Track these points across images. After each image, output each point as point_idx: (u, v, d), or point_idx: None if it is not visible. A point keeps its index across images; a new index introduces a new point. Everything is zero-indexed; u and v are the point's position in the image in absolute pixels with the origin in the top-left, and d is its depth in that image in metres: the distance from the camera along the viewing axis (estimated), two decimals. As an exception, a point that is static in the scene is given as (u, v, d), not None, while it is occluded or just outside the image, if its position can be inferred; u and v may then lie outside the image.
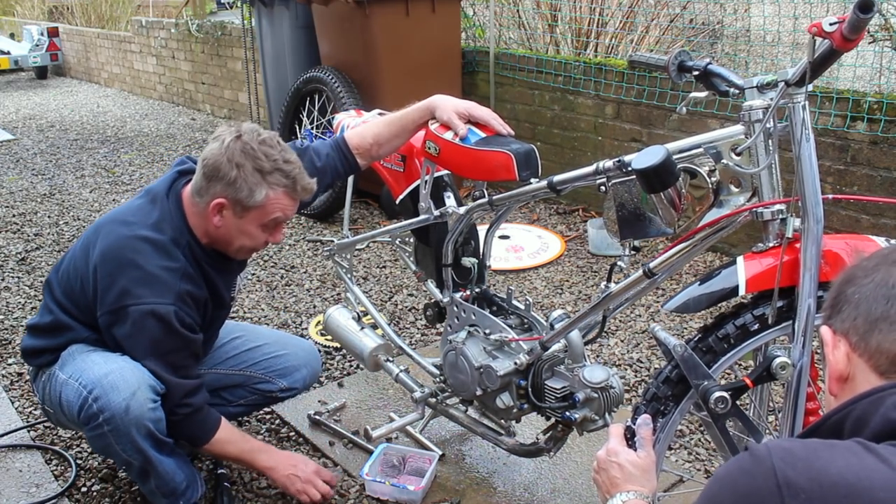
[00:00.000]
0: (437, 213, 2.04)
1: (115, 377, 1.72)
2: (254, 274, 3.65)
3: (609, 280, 1.63)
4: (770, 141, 1.38)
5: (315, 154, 1.96)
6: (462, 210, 1.99)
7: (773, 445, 0.84)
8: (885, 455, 0.79)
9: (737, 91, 1.48)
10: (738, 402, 1.41)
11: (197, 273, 1.84)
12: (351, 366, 2.79)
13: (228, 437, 1.92)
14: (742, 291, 1.39)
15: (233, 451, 1.95)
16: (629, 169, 1.47)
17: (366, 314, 2.44)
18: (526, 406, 1.87)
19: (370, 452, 2.18)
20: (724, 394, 1.38)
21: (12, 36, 11.56)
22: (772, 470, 0.81)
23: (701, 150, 1.45)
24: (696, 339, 1.49)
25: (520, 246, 3.86)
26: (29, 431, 2.40)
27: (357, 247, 3.42)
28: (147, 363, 1.77)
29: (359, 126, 2.06)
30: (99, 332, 1.84)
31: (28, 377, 2.69)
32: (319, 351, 2.88)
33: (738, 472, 0.85)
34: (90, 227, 1.90)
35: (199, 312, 1.85)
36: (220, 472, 2.12)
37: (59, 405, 1.83)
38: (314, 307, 3.29)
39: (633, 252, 1.59)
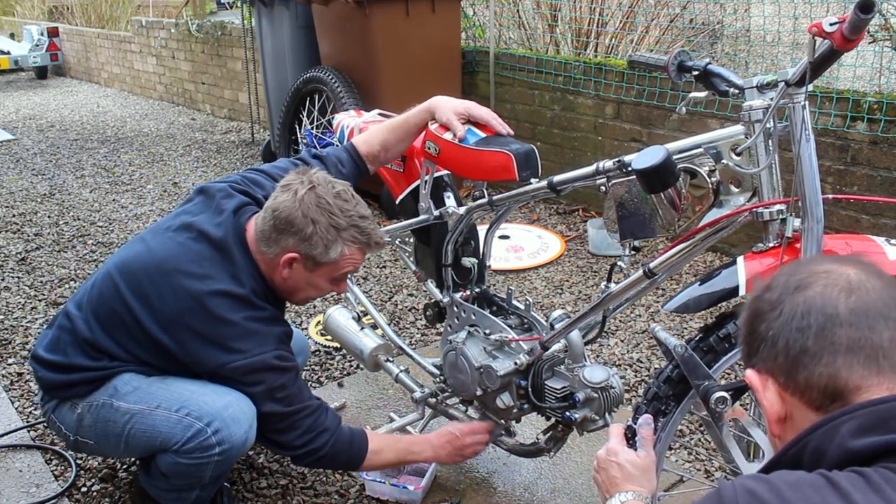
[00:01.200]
0: (436, 213, 2.04)
1: (234, 410, 1.71)
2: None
3: (609, 280, 1.64)
4: (770, 141, 1.38)
5: (339, 163, 1.96)
6: (462, 210, 2.00)
7: (739, 486, 0.84)
8: (847, 490, 0.79)
9: (736, 91, 1.48)
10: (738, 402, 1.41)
11: (280, 313, 1.85)
12: (351, 366, 2.79)
13: (376, 462, 1.91)
14: (742, 291, 1.38)
15: (386, 464, 1.97)
16: (629, 169, 1.47)
17: (366, 314, 2.44)
18: (526, 406, 1.87)
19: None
20: (725, 394, 1.38)
21: (12, 36, 11.56)
22: None
23: (701, 150, 1.45)
24: (696, 338, 1.49)
25: (520, 246, 3.86)
26: (29, 431, 2.40)
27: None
28: (265, 408, 1.76)
29: (364, 133, 2.06)
30: (147, 365, 1.79)
31: (28, 378, 2.69)
32: (319, 351, 2.89)
33: None
34: (129, 271, 1.78)
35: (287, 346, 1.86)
36: (220, 472, 2.13)
37: (125, 434, 1.77)
38: (314, 307, 3.29)
39: (633, 252, 1.59)
